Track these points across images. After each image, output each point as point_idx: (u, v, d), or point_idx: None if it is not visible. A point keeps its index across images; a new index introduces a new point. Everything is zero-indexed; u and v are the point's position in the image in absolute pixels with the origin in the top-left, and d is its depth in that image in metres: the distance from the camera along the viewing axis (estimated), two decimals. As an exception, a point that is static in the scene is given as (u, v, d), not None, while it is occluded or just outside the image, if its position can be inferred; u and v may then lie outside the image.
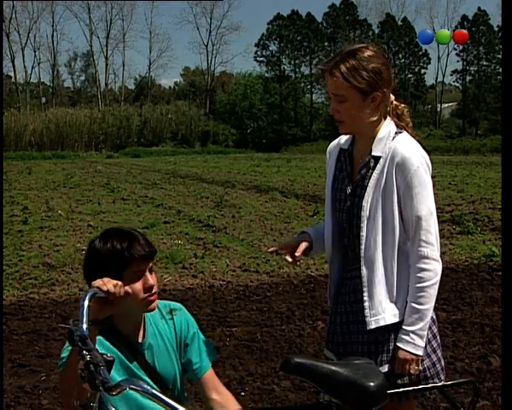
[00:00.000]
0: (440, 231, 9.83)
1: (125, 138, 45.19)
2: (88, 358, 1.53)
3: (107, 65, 56.84)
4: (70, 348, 1.97)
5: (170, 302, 2.44)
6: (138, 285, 2.17)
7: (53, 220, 11.37)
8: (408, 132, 2.32)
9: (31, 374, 4.49)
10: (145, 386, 1.54)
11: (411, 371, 2.24)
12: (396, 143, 2.25)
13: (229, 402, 2.37)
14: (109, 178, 19.95)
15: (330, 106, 2.31)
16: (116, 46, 57.97)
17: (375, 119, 2.27)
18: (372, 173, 2.26)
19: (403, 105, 2.38)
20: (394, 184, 2.22)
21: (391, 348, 2.28)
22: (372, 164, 2.28)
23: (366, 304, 2.28)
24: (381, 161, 2.25)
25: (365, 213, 2.26)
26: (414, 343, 2.23)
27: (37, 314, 5.92)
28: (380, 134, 2.29)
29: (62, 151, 38.64)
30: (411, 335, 2.23)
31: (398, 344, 2.25)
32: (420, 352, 2.24)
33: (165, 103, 53.71)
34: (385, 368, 2.26)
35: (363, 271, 2.27)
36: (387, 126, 2.30)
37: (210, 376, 2.40)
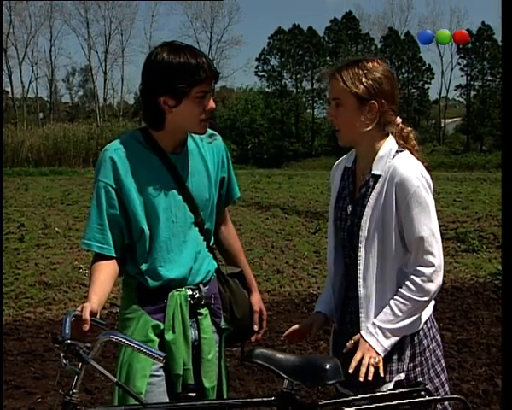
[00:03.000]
0: (445, 248, 9.79)
1: (123, 154, 45.28)
2: (69, 341, 1.89)
3: (105, 80, 57.12)
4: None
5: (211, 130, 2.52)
6: (200, 106, 2.26)
7: (50, 238, 11.36)
8: (411, 152, 2.32)
9: (26, 396, 4.46)
10: (123, 337, 1.97)
11: (371, 363, 2.19)
12: (396, 161, 2.25)
13: (232, 236, 2.65)
14: (107, 195, 19.90)
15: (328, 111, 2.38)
16: (115, 61, 58.21)
17: (369, 128, 2.28)
18: (371, 192, 2.26)
19: (409, 128, 2.38)
20: (394, 204, 2.22)
21: (394, 368, 2.27)
22: (372, 183, 2.28)
23: (362, 325, 2.27)
24: (381, 180, 2.25)
25: (364, 232, 2.26)
26: (377, 339, 2.21)
27: (33, 334, 5.90)
28: (380, 152, 2.29)
29: (60, 167, 38.60)
30: (377, 329, 2.22)
31: (363, 333, 2.24)
32: (380, 350, 2.21)
33: (164, 119, 53.82)
34: (390, 386, 2.25)
35: (361, 291, 2.27)
36: (389, 144, 2.30)
37: (225, 211, 2.62)
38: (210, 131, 2.45)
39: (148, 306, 2.34)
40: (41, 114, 58.15)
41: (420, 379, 2.27)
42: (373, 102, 2.25)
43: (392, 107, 2.31)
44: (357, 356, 2.21)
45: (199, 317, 2.38)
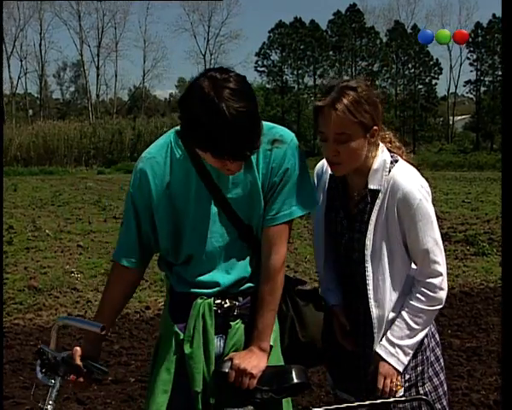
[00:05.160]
0: (453, 252, 9.82)
1: (117, 153, 45.25)
2: (40, 347, 2.16)
3: (98, 75, 57.22)
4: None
5: (281, 130, 2.24)
6: (219, 163, 2.03)
7: (40, 241, 11.37)
8: (402, 158, 2.35)
9: (14, 407, 4.46)
10: (69, 318, 1.97)
11: (392, 388, 2.25)
12: (394, 175, 2.26)
13: (265, 275, 2.22)
14: (100, 196, 19.98)
15: (326, 148, 2.25)
16: (108, 55, 58.33)
17: (373, 154, 2.29)
18: (372, 209, 2.28)
19: (388, 132, 2.40)
20: (396, 219, 2.25)
21: (404, 376, 2.31)
22: (369, 198, 2.30)
23: (376, 345, 2.30)
24: (381, 195, 2.27)
25: (368, 251, 2.28)
26: (398, 358, 2.27)
27: (22, 342, 5.90)
28: (375, 165, 2.30)
29: (50, 167, 38.63)
30: (397, 348, 2.27)
31: (382, 354, 2.27)
32: (401, 369, 2.27)
33: (160, 116, 53.89)
34: (401, 392, 2.30)
35: (374, 312, 2.29)
36: (381, 155, 2.31)
37: (275, 233, 2.21)
38: (277, 135, 2.21)
39: (175, 311, 2.27)
40: (30, 111, 58.22)
41: (419, 378, 2.34)
42: (375, 127, 2.25)
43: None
44: (381, 383, 2.26)
45: (229, 330, 2.22)
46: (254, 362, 2.15)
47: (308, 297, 2.39)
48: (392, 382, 2.26)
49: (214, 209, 2.19)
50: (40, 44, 57.12)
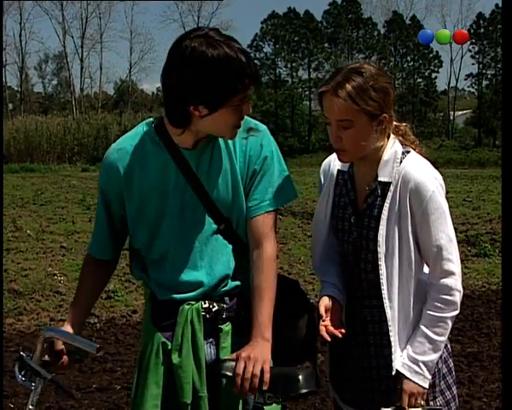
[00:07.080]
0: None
1: (102, 150, 44.98)
2: (21, 353, 2.16)
3: (82, 68, 57.00)
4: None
5: (254, 120, 2.29)
6: (237, 113, 2.09)
7: (21, 241, 11.33)
8: (415, 150, 2.32)
9: (-6, 415, 4.44)
10: (57, 330, 2.20)
11: (417, 407, 2.22)
12: (406, 166, 2.24)
13: (258, 265, 2.21)
14: (85, 194, 19.93)
15: (330, 132, 2.24)
16: (92, 47, 58.09)
17: (381, 144, 2.26)
18: (383, 202, 2.25)
19: (404, 124, 2.38)
20: (409, 212, 2.21)
21: None
22: (380, 191, 2.26)
23: (394, 349, 2.26)
24: (392, 187, 2.23)
25: (382, 248, 2.24)
26: (423, 375, 2.23)
27: (2, 348, 5.87)
28: (385, 156, 2.27)
29: (32, 164, 38.54)
30: (422, 365, 2.23)
31: (406, 374, 2.23)
32: (427, 385, 2.24)
33: (147, 111, 53.72)
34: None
35: (389, 313, 2.25)
36: (392, 147, 2.28)
37: (261, 222, 2.23)
38: (252, 124, 2.27)
39: (159, 320, 2.25)
40: (10, 105, 57.96)
41: (430, 392, 2.29)
42: (384, 115, 2.21)
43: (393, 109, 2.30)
44: (406, 403, 2.21)
45: (219, 334, 2.21)
46: (260, 350, 2.10)
47: (288, 290, 2.39)
48: (417, 400, 2.22)
49: (192, 200, 2.19)
50: (20, 35, 56.75)
